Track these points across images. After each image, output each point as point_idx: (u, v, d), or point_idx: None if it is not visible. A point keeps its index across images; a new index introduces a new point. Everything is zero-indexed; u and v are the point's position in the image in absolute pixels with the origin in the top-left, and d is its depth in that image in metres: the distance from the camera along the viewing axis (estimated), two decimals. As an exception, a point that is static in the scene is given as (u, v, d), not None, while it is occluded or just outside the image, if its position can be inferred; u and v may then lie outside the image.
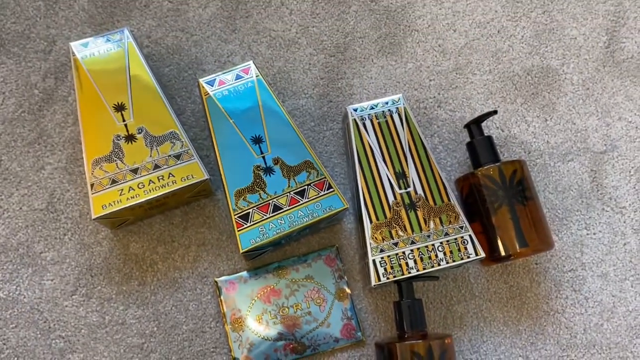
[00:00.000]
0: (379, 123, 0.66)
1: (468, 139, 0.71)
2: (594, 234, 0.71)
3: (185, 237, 0.68)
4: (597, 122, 0.74)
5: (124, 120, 0.63)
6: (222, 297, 0.65)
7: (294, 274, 0.66)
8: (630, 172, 0.73)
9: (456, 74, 0.75)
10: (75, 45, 0.65)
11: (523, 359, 0.66)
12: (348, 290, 0.66)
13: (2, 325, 0.64)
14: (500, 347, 0.67)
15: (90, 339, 0.64)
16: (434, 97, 0.75)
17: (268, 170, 0.63)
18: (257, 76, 0.66)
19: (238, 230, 0.61)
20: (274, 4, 0.76)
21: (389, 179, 0.63)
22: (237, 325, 0.64)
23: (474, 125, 0.68)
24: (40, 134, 0.70)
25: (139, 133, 0.63)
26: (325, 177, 0.63)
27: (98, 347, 0.64)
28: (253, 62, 0.67)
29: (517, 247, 0.62)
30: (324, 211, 0.62)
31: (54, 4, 0.73)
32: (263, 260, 0.68)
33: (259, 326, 0.64)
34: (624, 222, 0.71)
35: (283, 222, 0.61)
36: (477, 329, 0.67)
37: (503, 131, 0.74)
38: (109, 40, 0.66)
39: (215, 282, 0.66)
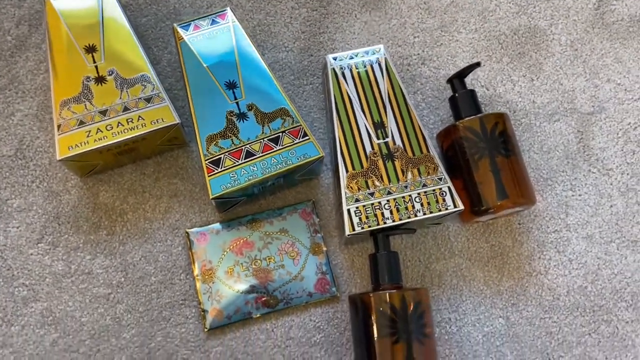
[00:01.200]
0: (358, 72, 0.64)
1: (449, 97, 0.69)
2: (580, 195, 0.68)
3: (157, 188, 0.66)
4: (585, 84, 0.72)
5: (94, 62, 0.61)
6: (192, 248, 0.63)
7: (268, 226, 0.64)
8: (617, 134, 0.71)
9: (441, 31, 0.74)
10: (47, -14, 0.64)
11: (503, 319, 0.64)
12: (323, 246, 0.64)
13: (-36, 272, 0.62)
14: (479, 307, 0.64)
15: (55, 288, 0.62)
16: (418, 54, 0.73)
17: (241, 116, 0.61)
18: (233, 22, 0.64)
19: (208, 176, 0.59)
20: (257, -43, 0.74)
21: (367, 129, 0.61)
22: (207, 276, 0.62)
23: (457, 80, 0.66)
24: (12, 80, 0.68)
25: (110, 75, 0.61)
26: (300, 125, 0.61)
27: (63, 297, 0.62)
28: (230, 8, 0.65)
29: (497, 199, 0.60)
30: (298, 159, 0.60)
31: (30, -49, 0.72)
32: (236, 213, 0.66)
33: (230, 278, 0.62)
34: (611, 184, 0.69)
35: (255, 168, 0.59)
36: (457, 288, 0.65)
37: (488, 90, 0.72)
38: (83, -18, 0.64)
39: (187, 232, 0.64)
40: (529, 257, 0.66)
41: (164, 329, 0.62)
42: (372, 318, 0.55)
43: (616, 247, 0.67)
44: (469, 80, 0.71)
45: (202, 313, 0.62)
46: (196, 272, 0.63)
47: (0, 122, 0.66)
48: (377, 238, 0.60)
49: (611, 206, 0.68)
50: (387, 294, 0.56)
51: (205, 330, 0.61)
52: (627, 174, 0.69)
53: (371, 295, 0.56)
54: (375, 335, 0.55)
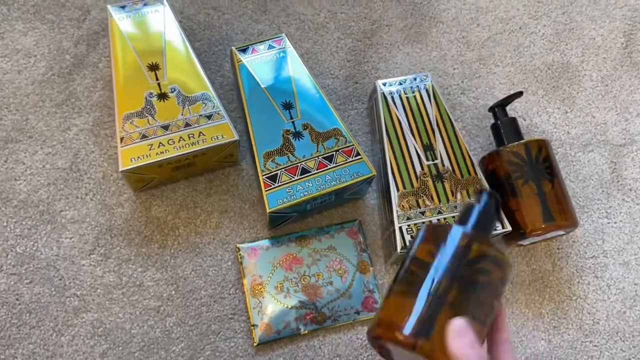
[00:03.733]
0: (407, 98, 0.67)
1: (491, 124, 0.72)
2: (615, 223, 0.71)
3: (208, 204, 0.67)
4: (616, 117, 0.76)
5: (157, 80, 0.64)
6: (243, 263, 0.64)
7: (317, 243, 0.66)
8: (649, 165, 0.74)
9: (479, 64, 0.77)
10: (112, 8, 0.67)
11: (546, 342, 0.65)
12: (370, 265, 0.66)
13: (17, 281, 0.62)
14: (522, 329, 0.65)
15: (106, 299, 0.63)
16: (458, 84, 0.76)
17: (297, 135, 0.63)
18: (288, 47, 0.67)
19: (265, 190, 0.60)
20: (304, -10, 0.78)
21: (416, 151, 0.64)
22: (257, 291, 0.63)
23: (499, 108, 0.69)
24: (69, 96, 0.70)
25: (172, 92, 0.63)
26: (353, 145, 0.63)
27: (113, 308, 0.62)
28: (285, 35, 0.68)
29: (543, 222, 0.62)
30: (351, 177, 0.62)
31: (91, -24, 0.75)
32: (285, 230, 0.67)
33: (279, 293, 0.63)
34: (644, 213, 0.71)
35: (311, 184, 0.61)
36: (500, 309, 0.66)
37: (525, 120, 0.75)
38: (147, 5, 0.67)
39: (237, 247, 0.65)
40: (568, 281, 0.68)
41: (213, 342, 0.62)
42: None
43: (652, 274, 0.69)
44: (507, 109, 0.74)
45: (252, 327, 0.62)
46: (246, 286, 0.63)
47: (57, 135, 0.68)
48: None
49: (645, 234, 0.70)
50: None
51: (254, 344, 0.62)
52: (660, 203, 0.72)
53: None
54: None
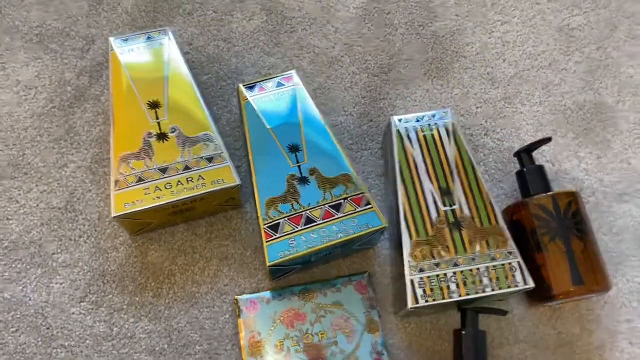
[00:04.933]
0: (424, 136, 0.62)
1: (516, 169, 0.66)
2: (653, 282, 0.64)
3: (207, 249, 0.63)
4: (655, 164, 0.69)
5: (157, 118, 0.60)
6: (241, 317, 0.60)
7: (322, 298, 0.61)
8: (692, 218, 0.67)
9: (505, 103, 0.72)
10: (114, 40, 0.63)
11: (572, 416, 0.59)
12: (379, 323, 0.60)
13: (2, 328, 0.59)
14: (546, 401, 0.59)
15: (95, 351, 0.59)
16: (481, 124, 0.71)
17: (303, 180, 0.58)
18: (298, 85, 0.63)
19: (266, 241, 0.56)
20: (320, 21, 0.74)
21: (432, 195, 0.59)
22: (255, 349, 0.58)
23: (525, 153, 0.64)
24: (68, 130, 0.67)
25: (172, 132, 0.60)
26: (363, 192, 0.58)
27: (102, 361, 0.58)
28: (295, 71, 0.64)
29: (571, 284, 0.56)
30: (360, 228, 0.57)
31: (97, 5, 0.72)
32: (288, 281, 0.62)
33: (279, 353, 0.58)
34: (686, 272, 0.65)
35: (315, 236, 0.56)
36: (521, 377, 0.60)
37: (554, 165, 0.69)
38: (150, 38, 0.64)
39: (236, 299, 0.61)
40: (599, 347, 0.61)
41: (206, 403, 0.57)
42: None
43: (694, 342, 0.62)
44: (534, 154, 0.69)
45: (248, 389, 0.57)
46: (243, 343, 0.59)
47: (52, 172, 0.65)
48: (466, 314, 0.56)
49: (687, 296, 0.64)
50: None
51: (250, 408, 0.57)
52: None
53: None
54: None
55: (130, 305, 0.60)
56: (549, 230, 0.58)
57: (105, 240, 0.63)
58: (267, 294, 0.61)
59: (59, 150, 0.66)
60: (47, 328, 0.59)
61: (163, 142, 0.59)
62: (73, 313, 0.60)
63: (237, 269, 0.63)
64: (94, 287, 0.61)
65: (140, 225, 0.60)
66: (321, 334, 0.59)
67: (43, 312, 0.60)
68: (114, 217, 0.56)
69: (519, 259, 0.57)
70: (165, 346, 0.59)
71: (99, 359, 0.58)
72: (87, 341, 0.59)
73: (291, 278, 0.62)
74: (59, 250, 0.62)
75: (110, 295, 0.61)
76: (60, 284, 0.61)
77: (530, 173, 0.62)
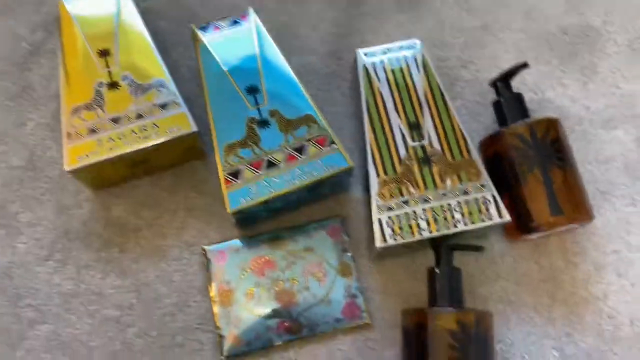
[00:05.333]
0: (392, 69, 0.58)
1: (493, 101, 0.63)
2: (643, 211, 0.61)
3: (173, 202, 0.61)
4: (646, 87, 0.65)
5: (107, 67, 0.57)
6: (210, 268, 0.58)
7: (292, 245, 0.59)
8: (685, 142, 0.63)
9: (483, 32, 0.67)
10: (61, -12, 0.60)
11: (557, 351, 0.57)
12: (353, 267, 0.58)
13: (-31, 291, 0.58)
14: (529, 337, 0.57)
15: (63, 309, 0.58)
16: (458, 56, 0.67)
17: (263, 123, 0.56)
18: (255, 23, 0.60)
19: (226, 188, 0.54)
20: (282, -44, 0.69)
21: (400, 130, 0.55)
22: (225, 299, 0.57)
23: (502, 82, 0.60)
24: (25, 88, 0.65)
25: (123, 80, 0.57)
26: (327, 133, 0.55)
27: (71, 319, 0.57)
28: (252, 9, 0.60)
29: (550, 215, 0.53)
30: (325, 170, 0.54)
31: (47, -46, 0.69)
32: (257, 230, 0.60)
33: (250, 301, 0.56)
34: (679, 198, 0.61)
35: (278, 180, 0.54)
36: (503, 314, 0.58)
37: (536, 94, 0.65)
38: (98, -16, 0.60)
39: (204, 250, 0.59)
40: (585, 280, 0.59)
41: (178, 355, 0.56)
42: (434, 339, 0.49)
43: (687, 270, 0.59)
44: (514, 83, 0.65)
45: (219, 339, 0.56)
46: (213, 293, 0.57)
47: (12, 131, 0.63)
48: (441, 252, 0.53)
49: (680, 224, 0.60)
50: (456, 313, 0.50)
51: (222, 358, 0.56)
52: (698, 187, 0.61)
53: (435, 312, 0.50)
54: (437, 358, 0.49)
55: (97, 262, 0.59)
56: (527, 160, 0.55)
57: (69, 197, 0.61)
58: (235, 243, 0.59)
59: (17, 108, 0.64)
60: (14, 288, 0.58)
61: (114, 90, 0.56)
62: (39, 272, 0.59)
63: (204, 221, 0.61)
64: (59, 246, 0.60)
65: (100, 180, 0.58)
66: (292, 280, 0.57)
67: (9, 272, 0.59)
68: (68, 171, 0.54)
69: (494, 191, 0.54)
70: (134, 301, 0.58)
71: (68, 317, 0.57)
72: (55, 299, 0.58)
73: (261, 227, 0.60)
74: (21, 210, 0.61)
75: (76, 253, 0.59)
76: (25, 243, 0.60)
77: (506, 102, 0.59)
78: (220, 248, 0.59)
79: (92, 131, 0.55)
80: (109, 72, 0.57)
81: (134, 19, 0.59)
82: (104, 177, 0.58)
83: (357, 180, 0.62)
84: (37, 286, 0.58)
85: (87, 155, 0.54)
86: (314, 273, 0.57)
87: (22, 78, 0.65)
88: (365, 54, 0.59)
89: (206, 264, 0.58)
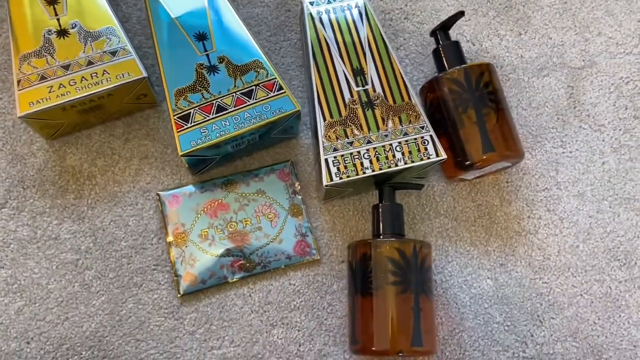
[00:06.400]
0: (336, 17, 0.60)
1: (433, 50, 0.66)
2: (570, 152, 0.66)
3: (126, 150, 0.63)
4: (575, 37, 0.69)
5: (56, 15, 0.58)
6: (164, 211, 0.60)
7: (244, 188, 0.61)
8: (610, 88, 0.68)
9: (425, -15, 0.70)
10: None
11: (492, 280, 0.61)
12: (303, 207, 0.61)
13: None
14: (466, 269, 0.62)
15: (20, 255, 0.59)
16: (401, 8, 0.69)
17: (212, 69, 0.57)
18: (203, -28, 0.61)
19: (177, 132, 0.56)
20: None
21: (345, 76, 0.58)
22: (180, 240, 0.59)
23: (441, 31, 0.63)
24: (-28, 39, 0.64)
25: (72, 28, 0.58)
26: (276, 78, 0.58)
27: (28, 263, 0.59)
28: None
29: (482, 152, 0.57)
30: (273, 113, 0.57)
31: None
32: (211, 175, 0.62)
33: (204, 242, 0.59)
34: (603, 140, 0.66)
35: (228, 123, 0.56)
36: (442, 249, 0.62)
37: (474, 45, 0.69)
38: None
39: (158, 195, 0.61)
40: (517, 216, 0.64)
41: (136, 295, 0.59)
42: (377, 266, 0.53)
43: (608, 205, 0.64)
44: (453, 34, 0.68)
45: (175, 278, 0.59)
46: (169, 235, 0.60)
47: (-40, 83, 0.63)
48: (383, 190, 0.57)
49: (603, 163, 0.65)
50: (397, 242, 0.53)
51: (179, 296, 0.58)
52: (620, 129, 0.66)
53: (378, 242, 0.54)
54: (380, 284, 0.52)
55: (52, 208, 0.60)
56: (462, 102, 0.58)
57: (22, 146, 0.62)
58: (189, 188, 0.61)
59: (-36, 60, 0.64)
60: (-30, 236, 0.59)
61: (64, 38, 0.57)
62: (-5, 220, 0.60)
63: (158, 167, 0.62)
64: (13, 193, 0.61)
65: (53, 127, 0.59)
66: (245, 221, 0.60)
67: (-36, 220, 0.60)
68: (20, 117, 0.55)
69: (432, 132, 0.57)
70: (91, 245, 0.60)
71: (25, 262, 0.59)
72: (12, 245, 0.59)
73: (213, 172, 0.63)
74: (-26, 160, 0.61)
75: (32, 200, 0.60)
76: (-21, 192, 0.61)
77: (445, 49, 0.62)
78: (174, 193, 0.61)
79: (43, 78, 0.56)
80: (58, 20, 0.58)
81: (81, -32, 0.60)
82: (57, 125, 0.59)
83: (306, 127, 0.65)
84: (-8, 233, 0.59)
85: (38, 102, 0.55)
86: (266, 214, 0.60)
87: (-31, 30, 0.65)
88: (311, 4, 0.61)
89: (161, 208, 0.60)
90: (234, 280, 0.59)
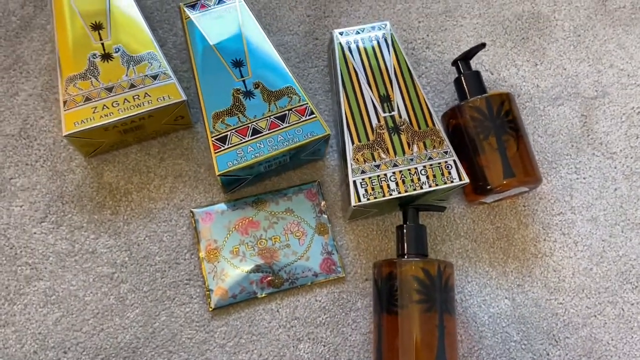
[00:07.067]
0: (364, 47, 0.64)
1: (454, 79, 0.69)
2: (584, 178, 0.69)
3: (161, 168, 0.65)
4: (588, 69, 0.73)
5: (100, 40, 0.61)
6: (197, 228, 0.63)
7: (274, 206, 0.64)
8: (621, 118, 0.71)
9: (445, 16, 0.74)
10: (53, -35, 0.63)
11: (509, 300, 0.64)
12: (329, 226, 0.64)
13: (-34, 250, 0.61)
14: (485, 289, 0.64)
15: (58, 267, 0.62)
16: (423, 38, 0.73)
17: (248, 94, 0.61)
18: (239, 1, 0.64)
19: (215, 152, 0.59)
20: (262, -58, 0.74)
21: (373, 102, 0.62)
22: (212, 256, 0.62)
23: (463, 61, 0.67)
24: (16, 60, 0.68)
25: (116, 52, 0.61)
26: (307, 103, 0.61)
27: (66, 276, 0.61)
28: (237, -11, 0.65)
29: (503, 178, 0.60)
30: (305, 137, 0.60)
31: None
32: (241, 194, 0.65)
33: (235, 257, 0.62)
34: (615, 167, 0.69)
35: (262, 145, 0.59)
36: (462, 269, 0.65)
37: (492, 74, 0.72)
38: (89, -39, 0.64)
39: (191, 212, 0.64)
40: (534, 239, 0.66)
41: (168, 308, 0.61)
42: (402, 285, 0.55)
43: (621, 229, 0.67)
44: (473, 64, 0.72)
45: (207, 292, 0.61)
46: (201, 251, 0.62)
47: (4, 101, 0.66)
48: (407, 211, 0.60)
49: (615, 189, 0.68)
50: (422, 261, 0.56)
51: (210, 309, 0.61)
52: (631, 157, 0.69)
53: (404, 261, 0.56)
54: (405, 303, 0.55)
55: (90, 223, 0.63)
56: (483, 129, 0.62)
57: (62, 163, 0.65)
58: (221, 206, 0.64)
59: (8, 79, 0.67)
60: (11, 248, 0.62)
61: (108, 62, 0.60)
62: (35, 233, 0.62)
63: (192, 186, 0.65)
64: (53, 208, 0.63)
65: (93, 145, 0.62)
66: (274, 238, 0.63)
67: (5, 233, 0.62)
68: (65, 135, 0.58)
69: (455, 157, 0.60)
70: (126, 259, 0.62)
71: (63, 274, 0.61)
72: (51, 258, 0.62)
73: (244, 191, 0.65)
74: (16, 175, 0.64)
75: (70, 215, 0.63)
76: (20, 206, 0.63)
77: (466, 79, 0.65)
78: (207, 210, 0.64)
79: (88, 99, 0.59)
80: (102, 44, 0.61)
81: (124, -4, 0.63)
82: (97, 144, 0.62)
83: (332, 150, 0.68)
84: (32, 246, 0.62)
85: (83, 121, 0.58)
86: (294, 232, 0.63)
87: (14, 51, 0.68)
88: (341, 34, 0.65)
89: (194, 225, 0.63)
90: (263, 295, 0.61)
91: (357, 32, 0.65)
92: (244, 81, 0.61)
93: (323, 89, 0.70)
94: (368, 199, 0.58)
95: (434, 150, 0.60)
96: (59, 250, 0.62)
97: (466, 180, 0.59)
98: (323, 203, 0.65)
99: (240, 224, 0.63)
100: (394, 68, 0.63)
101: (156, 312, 0.61)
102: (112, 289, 0.61)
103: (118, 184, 0.65)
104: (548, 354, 0.62)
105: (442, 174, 0.59)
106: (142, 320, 0.61)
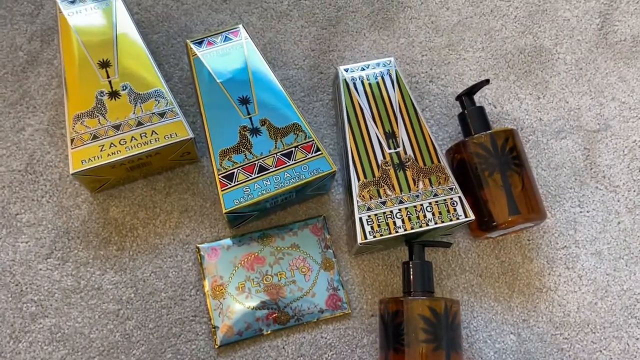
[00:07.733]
0: (369, 83, 0.64)
1: (458, 114, 0.70)
2: (588, 212, 0.69)
3: (167, 203, 0.66)
4: (590, 102, 0.74)
5: (108, 77, 0.62)
6: (203, 264, 0.63)
7: (279, 242, 0.64)
8: (624, 151, 0.72)
9: (449, 50, 0.75)
10: (61, 2, 0.64)
11: (515, 335, 0.64)
12: (334, 261, 0.64)
13: (-28, 287, 0.61)
14: (491, 324, 0.64)
15: (64, 304, 0.61)
16: (426, 72, 0.74)
17: (254, 131, 0.61)
18: (245, 39, 0.65)
19: (222, 190, 0.59)
20: (267, -24, 0.75)
21: (378, 139, 0.62)
22: (218, 292, 0.62)
23: (466, 97, 0.67)
24: (23, 95, 0.68)
25: (123, 90, 0.61)
26: (313, 140, 0.61)
27: (72, 313, 0.61)
28: (242, 25, 0.66)
29: (509, 215, 0.60)
30: (311, 173, 0.60)
31: (43, -32, 0.72)
32: (247, 229, 0.65)
33: (241, 294, 0.62)
34: (618, 200, 0.70)
35: (269, 183, 0.59)
36: (467, 304, 0.65)
37: (495, 107, 0.73)
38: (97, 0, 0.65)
39: (197, 248, 0.64)
40: (539, 273, 0.66)
41: (174, 345, 0.61)
42: (409, 323, 0.55)
43: (625, 263, 0.67)
44: (476, 97, 0.72)
45: (213, 329, 0.61)
46: (207, 287, 0.62)
47: (10, 136, 0.66)
48: (413, 247, 0.60)
49: (619, 223, 0.69)
50: (428, 299, 0.56)
51: (216, 347, 0.61)
52: (634, 190, 0.70)
53: (410, 300, 0.56)
54: (411, 341, 0.55)
55: (96, 259, 0.63)
56: (488, 166, 0.62)
57: (67, 199, 0.65)
58: (227, 242, 0.64)
59: (15, 114, 0.67)
60: (16, 285, 0.62)
61: (115, 100, 0.61)
62: (40, 269, 0.62)
63: (197, 220, 0.65)
64: (59, 244, 0.63)
65: (99, 182, 0.62)
66: (280, 274, 0.63)
67: (11, 270, 0.62)
68: (73, 174, 0.58)
69: (460, 194, 0.61)
70: (132, 295, 0.62)
71: (68, 311, 0.61)
72: (56, 295, 0.62)
73: (250, 225, 0.66)
74: (22, 211, 0.64)
75: (76, 251, 0.63)
76: (26, 242, 0.63)
77: (470, 114, 0.66)
78: (213, 245, 0.64)
79: (95, 137, 0.59)
80: (110, 82, 0.61)
81: (130, 31, 0.64)
82: (103, 180, 0.62)
83: (336, 183, 0.68)
84: (38, 282, 0.62)
85: (90, 159, 0.58)
86: (300, 268, 0.63)
87: (21, 86, 0.68)
88: (346, 70, 0.65)
89: (200, 261, 0.63)
90: (269, 332, 0.61)
91: (362, 69, 0.65)
92: (250, 118, 0.61)
93: (328, 123, 0.71)
94: (374, 236, 0.58)
95: (440, 186, 0.61)
96: (64, 287, 0.62)
97: (472, 217, 0.60)
98: (328, 237, 0.65)
99: (246, 259, 0.63)
100: (399, 104, 0.64)
101: (162, 349, 0.61)
102: (117, 326, 0.61)
103: (124, 219, 0.65)
104: (554, 390, 0.62)
105: (448, 211, 0.60)
106: (148, 357, 0.60)
